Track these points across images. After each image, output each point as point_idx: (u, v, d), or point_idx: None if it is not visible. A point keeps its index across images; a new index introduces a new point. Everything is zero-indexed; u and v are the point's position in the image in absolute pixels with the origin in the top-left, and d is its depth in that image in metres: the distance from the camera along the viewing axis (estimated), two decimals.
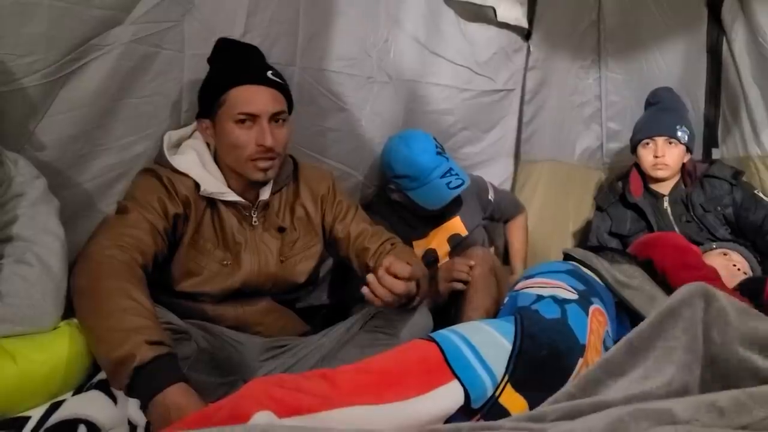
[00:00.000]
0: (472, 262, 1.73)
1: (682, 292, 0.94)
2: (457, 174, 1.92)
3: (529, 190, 2.77)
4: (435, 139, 2.00)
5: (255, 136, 1.37)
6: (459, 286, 1.73)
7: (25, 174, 1.20)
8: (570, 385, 0.90)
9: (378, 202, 2.11)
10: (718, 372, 0.85)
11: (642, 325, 0.93)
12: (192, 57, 1.57)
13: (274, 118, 1.40)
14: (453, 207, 2.01)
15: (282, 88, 1.43)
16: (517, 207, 2.47)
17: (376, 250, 1.52)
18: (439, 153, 1.95)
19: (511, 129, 2.69)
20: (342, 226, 1.57)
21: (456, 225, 2.03)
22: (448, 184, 1.89)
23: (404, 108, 2.20)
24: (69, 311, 1.17)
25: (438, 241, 2.02)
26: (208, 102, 1.41)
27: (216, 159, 1.47)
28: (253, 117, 1.37)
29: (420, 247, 2.02)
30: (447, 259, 1.95)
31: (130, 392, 1.06)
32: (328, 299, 2.00)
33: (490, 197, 2.23)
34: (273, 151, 1.39)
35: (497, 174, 2.65)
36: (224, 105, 1.37)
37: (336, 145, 2.02)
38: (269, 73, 1.41)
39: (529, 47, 2.62)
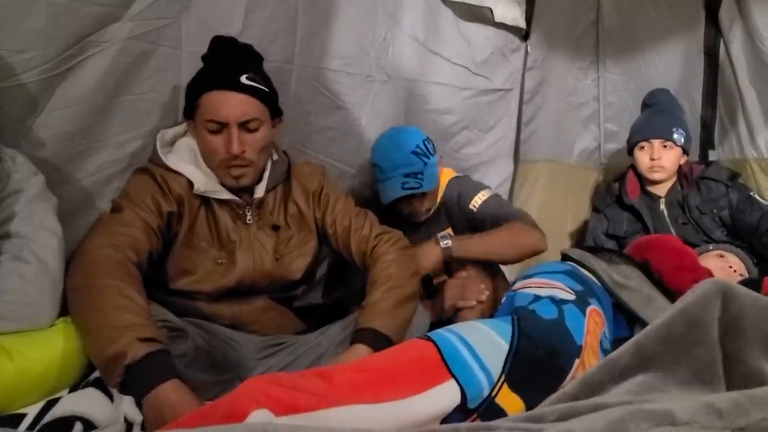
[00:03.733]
0: (484, 286, 1.72)
1: (697, 292, 0.87)
2: (422, 179, 1.86)
3: (528, 190, 2.77)
4: (427, 141, 1.95)
5: (223, 143, 1.36)
6: (469, 304, 1.71)
7: (23, 171, 1.20)
8: (571, 386, 0.89)
9: (378, 204, 2.10)
10: (731, 380, 0.83)
11: (651, 327, 0.89)
12: (189, 54, 1.56)
13: (245, 125, 1.37)
14: (442, 221, 1.99)
15: (257, 92, 1.39)
16: (510, 217, 1.90)
17: (373, 239, 1.51)
18: (416, 153, 1.88)
19: (511, 129, 2.68)
20: (332, 219, 1.56)
21: None
22: (403, 184, 1.85)
23: (404, 107, 2.20)
24: (65, 309, 1.16)
25: None
26: (188, 104, 1.41)
27: None
28: (220, 124, 1.35)
29: None
30: (438, 272, 1.87)
31: (123, 389, 1.06)
32: (327, 298, 2.00)
33: (472, 206, 1.96)
34: (243, 158, 1.38)
35: (497, 174, 2.64)
36: (198, 109, 1.37)
37: (335, 143, 2.02)
38: (244, 78, 1.36)
39: (527, 47, 2.62)
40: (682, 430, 0.65)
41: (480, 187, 2.01)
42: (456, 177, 2.06)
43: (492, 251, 1.79)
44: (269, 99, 1.43)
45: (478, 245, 1.79)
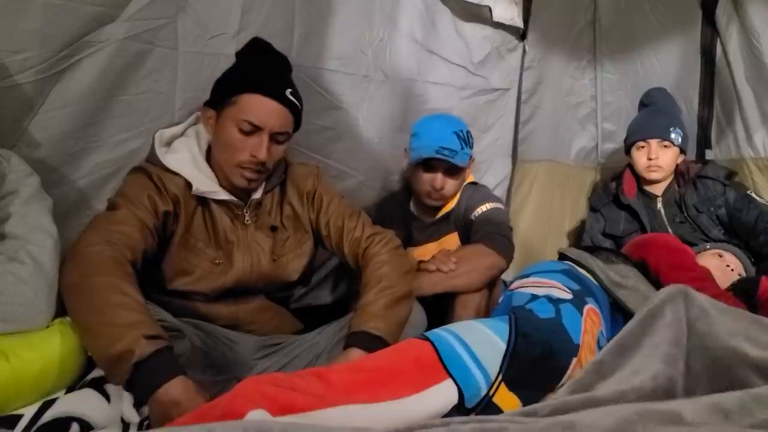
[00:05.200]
0: (454, 259, 1.72)
1: (663, 293, 0.97)
2: (455, 155, 1.87)
3: (525, 189, 2.78)
4: (470, 134, 1.97)
5: (251, 146, 1.37)
6: (431, 268, 1.72)
7: (18, 171, 1.20)
8: (562, 391, 0.90)
9: (384, 206, 2.13)
10: (707, 360, 0.86)
11: (629, 325, 0.94)
12: (185, 54, 1.56)
13: (276, 136, 1.40)
14: (449, 225, 2.00)
15: (295, 109, 1.44)
16: (485, 237, 1.83)
17: (365, 240, 1.51)
18: (457, 135, 1.90)
19: (509, 129, 2.69)
20: (325, 220, 1.56)
21: (452, 241, 2.00)
22: (438, 150, 1.85)
23: (402, 107, 2.21)
24: (61, 309, 1.16)
25: (431, 255, 1.99)
26: (221, 95, 1.40)
27: (208, 158, 1.46)
28: (256, 128, 1.36)
29: (415, 254, 2.00)
30: None
31: (128, 387, 1.06)
32: (325, 299, 2.00)
33: (472, 216, 1.94)
34: (263, 166, 1.39)
35: (495, 174, 2.65)
36: (234, 105, 1.37)
37: (333, 144, 2.03)
38: (288, 92, 1.41)
39: (524, 47, 2.62)
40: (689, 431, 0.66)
41: (486, 198, 1.98)
42: (472, 183, 2.06)
43: (453, 284, 1.71)
44: (299, 116, 1.47)
45: (441, 279, 1.71)
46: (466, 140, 1.94)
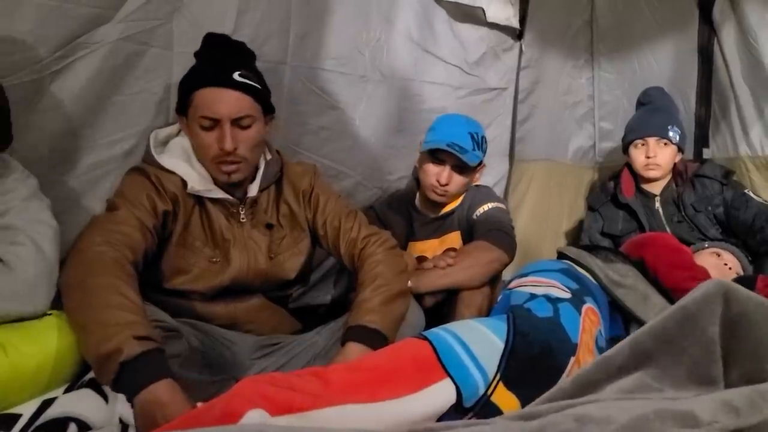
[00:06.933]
0: (452, 253, 1.74)
1: (698, 291, 0.84)
2: (465, 153, 1.88)
3: (523, 189, 2.78)
4: (485, 140, 1.99)
5: (217, 139, 1.35)
6: (428, 266, 1.75)
7: (16, 173, 1.21)
8: (566, 383, 0.89)
9: (390, 197, 2.15)
10: (730, 380, 0.81)
11: (648, 325, 0.88)
12: (180, 55, 1.56)
13: (238, 122, 1.37)
14: (452, 223, 2.02)
15: (251, 89, 1.39)
16: (485, 235, 1.85)
17: (361, 241, 1.51)
18: (472, 136, 1.92)
19: (506, 128, 2.69)
20: (322, 220, 1.55)
21: (454, 239, 2.01)
22: (449, 144, 1.87)
23: (399, 106, 2.20)
24: (57, 304, 1.16)
25: (433, 251, 2.01)
26: (181, 99, 1.40)
27: None
28: (214, 120, 1.35)
29: (416, 249, 2.03)
30: None
31: (115, 387, 1.05)
32: (323, 298, 2.00)
33: (475, 216, 1.97)
34: (235, 155, 1.37)
35: (492, 174, 2.64)
36: (191, 106, 1.37)
37: (330, 143, 2.02)
38: (236, 75, 1.36)
39: (521, 47, 2.62)
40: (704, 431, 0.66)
41: (488, 198, 2.01)
42: (477, 185, 2.08)
43: (455, 279, 1.73)
44: (262, 96, 1.43)
45: (440, 276, 1.73)
46: (480, 143, 1.96)
